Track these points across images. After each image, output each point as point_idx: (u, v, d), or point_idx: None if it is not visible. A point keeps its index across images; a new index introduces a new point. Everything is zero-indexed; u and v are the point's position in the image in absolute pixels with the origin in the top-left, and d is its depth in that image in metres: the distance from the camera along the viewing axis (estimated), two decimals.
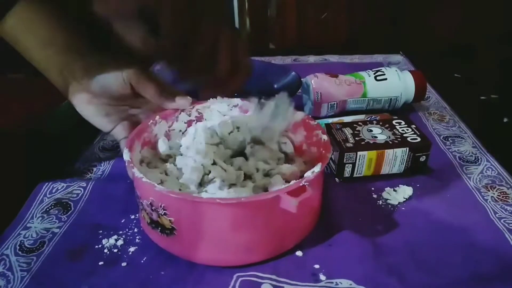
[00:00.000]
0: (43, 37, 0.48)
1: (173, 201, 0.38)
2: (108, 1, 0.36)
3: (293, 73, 0.74)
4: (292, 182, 0.39)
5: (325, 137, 0.45)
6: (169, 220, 0.39)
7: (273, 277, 0.39)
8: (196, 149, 0.46)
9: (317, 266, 0.40)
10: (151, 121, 0.49)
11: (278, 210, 0.37)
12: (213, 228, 0.39)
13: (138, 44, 0.38)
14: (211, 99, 0.51)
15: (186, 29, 0.39)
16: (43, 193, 0.51)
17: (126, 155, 0.41)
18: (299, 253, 0.42)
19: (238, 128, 0.50)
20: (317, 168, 0.39)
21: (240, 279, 0.39)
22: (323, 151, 0.44)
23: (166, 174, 0.46)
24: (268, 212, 0.38)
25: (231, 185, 0.44)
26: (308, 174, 0.39)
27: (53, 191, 0.51)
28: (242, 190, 0.42)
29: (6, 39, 0.48)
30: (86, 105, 0.49)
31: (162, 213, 0.39)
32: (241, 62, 0.45)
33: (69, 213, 0.48)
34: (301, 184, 0.37)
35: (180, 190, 0.43)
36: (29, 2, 0.48)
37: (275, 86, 0.75)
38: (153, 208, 0.39)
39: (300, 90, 0.70)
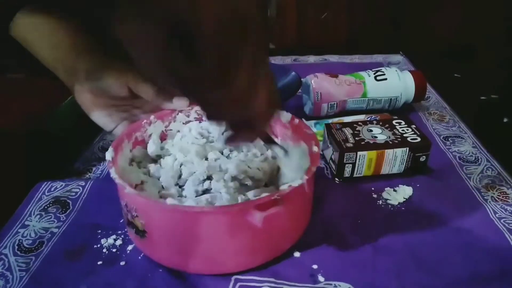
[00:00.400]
0: (49, 39, 0.50)
1: (141, 204, 0.38)
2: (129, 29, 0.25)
3: (293, 73, 0.73)
4: (263, 194, 0.37)
5: (315, 148, 0.42)
6: (141, 222, 0.39)
7: (272, 279, 0.39)
8: (179, 147, 0.46)
9: (315, 267, 0.40)
10: (145, 120, 0.49)
11: (244, 222, 0.35)
12: (180, 233, 0.38)
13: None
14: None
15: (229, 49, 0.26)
16: (42, 191, 0.51)
17: (108, 155, 0.41)
18: (296, 254, 0.42)
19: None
20: (295, 183, 0.37)
21: (239, 283, 0.39)
22: (310, 164, 0.40)
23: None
24: (235, 223, 0.36)
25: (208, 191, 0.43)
26: (284, 187, 0.37)
27: (52, 189, 0.51)
28: (219, 196, 0.41)
29: (17, 39, 0.50)
30: (89, 104, 0.50)
31: (135, 215, 0.39)
32: (272, 92, 0.32)
33: (67, 212, 0.48)
34: (272, 198, 0.35)
35: (159, 192, 0.43)
36: (35, 5, 0.50)
37: None
38: (127, 209, 0.40)
39: (300, 90, 0.70)
